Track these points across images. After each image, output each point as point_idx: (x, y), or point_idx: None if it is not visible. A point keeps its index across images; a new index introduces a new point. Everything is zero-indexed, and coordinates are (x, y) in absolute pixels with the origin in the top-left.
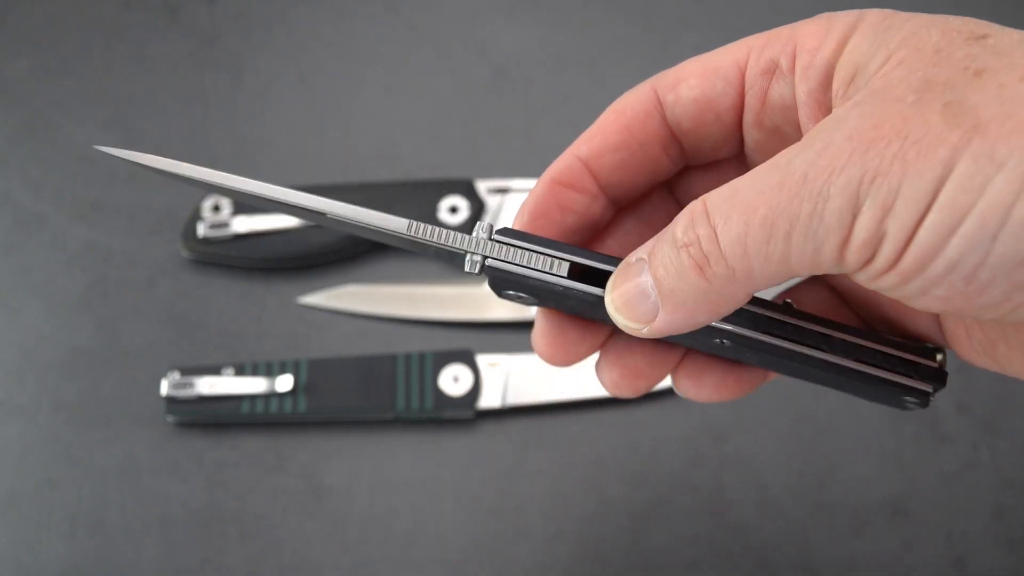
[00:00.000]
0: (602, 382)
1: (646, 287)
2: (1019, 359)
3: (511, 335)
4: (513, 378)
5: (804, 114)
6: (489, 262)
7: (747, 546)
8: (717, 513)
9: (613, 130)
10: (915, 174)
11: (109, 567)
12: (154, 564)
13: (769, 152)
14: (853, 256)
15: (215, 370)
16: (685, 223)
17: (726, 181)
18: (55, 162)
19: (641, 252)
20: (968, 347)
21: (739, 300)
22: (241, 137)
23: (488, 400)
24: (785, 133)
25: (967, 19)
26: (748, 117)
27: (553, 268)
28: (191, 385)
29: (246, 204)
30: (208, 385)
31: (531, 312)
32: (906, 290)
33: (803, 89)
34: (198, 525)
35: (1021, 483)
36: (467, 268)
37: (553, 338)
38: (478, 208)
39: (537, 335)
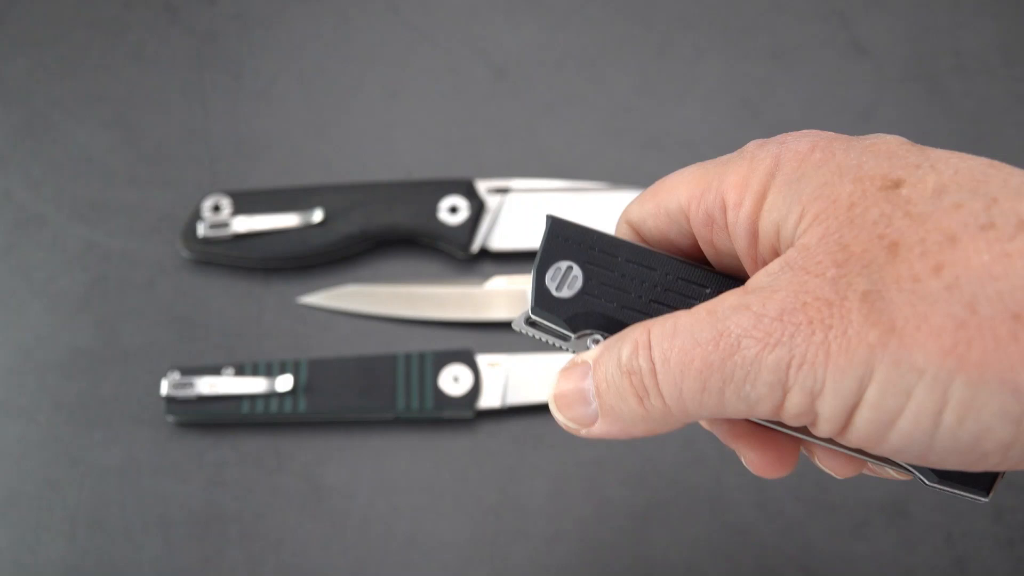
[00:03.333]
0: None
1: (587, 394)
2: None
3: (511, 335)
4: (513, 378)
5: (747, 265)
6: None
7: (747, 546)
8: (717, 513)
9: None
10: (837, 370)
11: (109, 567)
12: (154, 564)
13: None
14: (790, 419)
15: (215, 370)
16: (630, 350)
17: None
18: (55, 162)
19: (587, 356)
20: None
21: (679, 425)
22: (241, 137)
23: (488, 400)
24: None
25: (881, 159)
26: (707, 256)
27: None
28: (191, 385)
29: (246, 204)
30: (208, 385)
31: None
32: (868, 452)
33: (739, 245)
34: (198, 525)
35: (1021, 483)
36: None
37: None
38: (478, 208)
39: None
